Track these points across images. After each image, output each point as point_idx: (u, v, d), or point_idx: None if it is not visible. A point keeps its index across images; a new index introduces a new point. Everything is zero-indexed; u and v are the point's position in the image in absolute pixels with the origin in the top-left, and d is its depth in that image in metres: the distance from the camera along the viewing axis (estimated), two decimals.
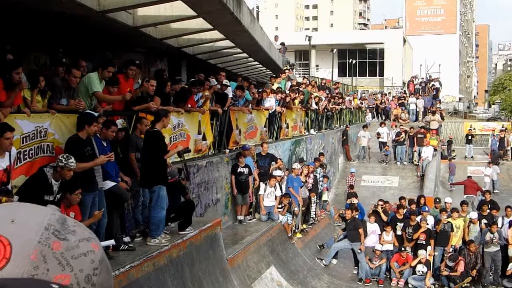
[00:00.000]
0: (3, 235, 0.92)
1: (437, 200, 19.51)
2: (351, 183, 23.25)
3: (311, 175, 19.36)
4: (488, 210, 17.88)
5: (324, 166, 22.31)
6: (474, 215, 17.47)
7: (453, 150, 33.83)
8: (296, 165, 18.53)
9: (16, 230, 0.94)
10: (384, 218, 17.62)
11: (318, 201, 20.29)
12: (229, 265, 11.96)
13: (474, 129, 36.45)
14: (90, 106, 9.52)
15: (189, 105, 12.97)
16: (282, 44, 31.93)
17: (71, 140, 8.35)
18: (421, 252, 16.04)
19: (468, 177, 25.69)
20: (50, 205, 1.07)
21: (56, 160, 7.70)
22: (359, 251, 16.43)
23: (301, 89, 24.12)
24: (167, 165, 10.24)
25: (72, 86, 9.24)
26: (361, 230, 16.47)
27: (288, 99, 21.17)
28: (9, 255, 0.91)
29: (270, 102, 19.07)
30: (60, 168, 7.56)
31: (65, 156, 7.65)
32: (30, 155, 8.05)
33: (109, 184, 9.04)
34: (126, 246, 9.04)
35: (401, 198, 19.62)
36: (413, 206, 18.44)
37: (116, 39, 13.76)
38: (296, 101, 22.41)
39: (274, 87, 21.30)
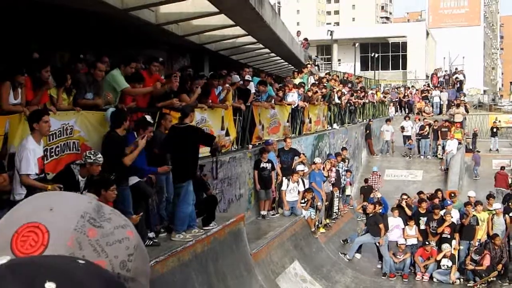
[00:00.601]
0: (42, 222, 0.96)
1: (452, 195, 19.28)
2: (373, 184, 22.60)
3: (333, 169, 19.35)
4: None
5: (347, 160, 22.24)
6: (497, 205, 17.32)
7: (474, 144, 33.44)
8: (317, 160, 18.54)
9: (53, 218, 0.98)
10: (409, 212, 17.54)
11: (341, 195, 20.26)
12: (253, 260, 12.01)
13: (499, 121, 35.96)
14: (115, 103, 9.62)
15: (211, 101, 13.04)
16: (305, 39, 31.88)
17: (111, 137, 8.51)
18: (445, 246, 15.95)
19: (501, 168, 25.43)
20: (88, 193, 1.13)
21: (83, 157, 7.80)
22: (378, 244, 16.38)
23: (324, 83, 24.10)
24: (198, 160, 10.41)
25: (98, 79, 9.36)
26: (381, 226, 16.42)
27: (310, 93, 21.16)
28: (47, 242, 0.95)
29: (293, 97, 19.07)
30: (89, 165, 7.68)
31: (92, 152, 7.77)
32: (57, 153, 8.18)
33: (134, 179, 9.13)
34: (151, 242, 9.13)
35: (420, 192, 19.57)
36: (436, 200, 18.33)
37: (138, 37, 13.87)
38: (318, 96, 22.36)
39: (296, 81, 21.28)
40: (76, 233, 0.98)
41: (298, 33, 31.75)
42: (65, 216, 0.99)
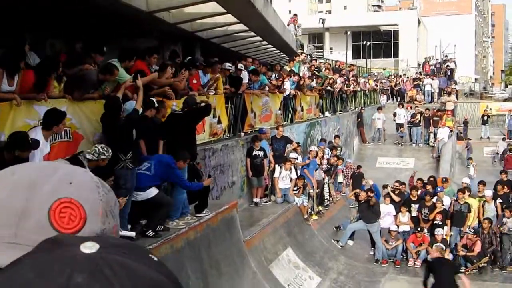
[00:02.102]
0: (72, 197, 1.00)
1: (444, 180, 19.38)
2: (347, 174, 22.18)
3: (325, 157, 19.42)
4: (504, 190, 17.82)
5: (339, 148, 22.27)
6: (488, 192, 17.43)
7: (465, 131, 33.59)
8: (314, 148, 18.59)
9: (79, 191, 1.02)
10: (396, 199, 17.65)
11: (330, 182, 20.28)
12: (246, 247, 12.04)
13: (490, 109, 36.14)
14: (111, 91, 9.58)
15: (195, 81, 13.00)
16: (295, 15, 31.64)
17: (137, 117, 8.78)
18: (437, 231, 16.04)
19: (510, 150, 26.24)
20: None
21: (94, 153, 7.78)
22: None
23: (318, 73, 24.16)
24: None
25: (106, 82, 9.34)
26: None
27: (302, 81, 21.16)
28: (85, 214, 0.99)
29: (285, 85, 19.07)
30: (101, 161, 7.72)
31: (105, 148, 7.79)
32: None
33: (152, 192, 9.13)
34: (152, 233, 9.05)
35: (419, 179, 19.72)
36: (430, 187, 18.42)
37: (129, 25, 13.79)
38: (314, 84, 22.45)
39: (288, 69, 21.26)
40: (102, 203, 1.04)
41: (295, 16, 31.54)
42: (86, 188, 1.04)
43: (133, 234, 6.49)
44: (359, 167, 22.62)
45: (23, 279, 0.80)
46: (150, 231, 8.85)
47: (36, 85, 7.85)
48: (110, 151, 7.86)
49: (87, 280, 0.80)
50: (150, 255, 0.93)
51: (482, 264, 15.75)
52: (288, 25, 27.82)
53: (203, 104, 10.87)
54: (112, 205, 1.06)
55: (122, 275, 0.82)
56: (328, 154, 20.48)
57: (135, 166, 8.77)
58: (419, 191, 17.92)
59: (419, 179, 19.94)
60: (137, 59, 10.35)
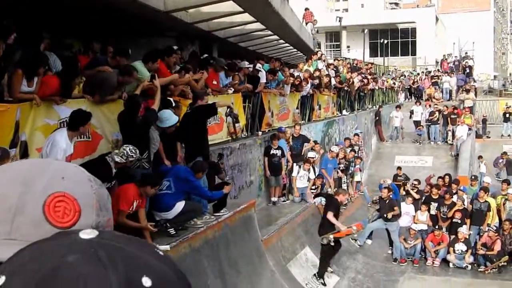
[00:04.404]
0: (66, 191, 1.00)
1: (473, 178, 19.26)
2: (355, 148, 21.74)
3: (341, 155, 19.36)
4: None
5: (357, 147, 22.17)
6: (511, 191, 17.28)
7: (484, 129, 33.19)
8: (335, 148, 18.55)
9: (72, 185, 1.02)
10: (416, 196, 17.55)
11: (348, 181, 20.22)
12: (264, 246, 12.04)
13: (510, 107, 35.69)
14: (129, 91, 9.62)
15: (214, 81, 13.06)
16: (307, 9, 31.45)
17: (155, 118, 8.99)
18: (461, 231, 15.92)
19: None
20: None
21: (123, 155, 7.82)
22: (390, 216, 16.33)
23: (334, 71, 24.11)
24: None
25: (126, 85, 9.39)
26: (396, 209, 16.42)
27: (320, 80, 21.11)
28: (79, 208, 1.00)
29: (306, 87, 19.07)
30: (129, 162, 7.77)
31: (133, 150, 7.83)
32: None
33: (180, 206, 9.18)
34: (174, 232, 9.03)
35: (440, 177, 19.59)
36: (454, 187, 18.25)
37: (146, 25, 13.85)
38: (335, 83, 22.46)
39: (304, 68, 21.21)
40: (96, 196, 1.04)
41: (308, 11, 31.27)
42: (79, 182, 1.04)
43: (167, 247, 6.64)
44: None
45: (18, 263, 0.82)
46: (172, 228, 8.90)
47: (61, 90, 7.92)
48: (138, 152, 7.89)
49: (79, 260, 0.80)
50: (154, 248, 0.92)
51: (502, 263, 15.60)
52: (302, 21, 27.70)
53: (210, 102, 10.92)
54: (105, 199, 1.07)
55: (117, 259, 0.82)
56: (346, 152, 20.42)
57: (151, 166, 8.81)
58: (440, 190, 17.79)
59: (440, 177, 19.79)
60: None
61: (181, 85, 10.92)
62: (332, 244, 13.19)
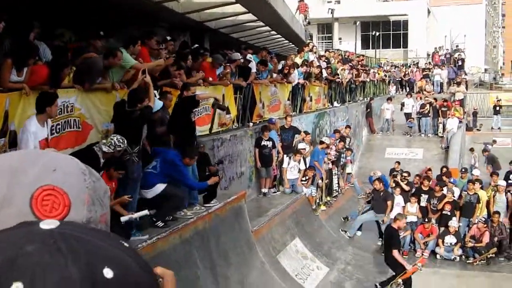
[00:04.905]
0: (55, 184, 0.97)
1: (463, 170, 19.38)
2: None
3: (333, 147, 19.37)
4: None
5: (348, 139, 22.21)
6: (502, 182, 17.36)
7: (475, 122, 33.30)
8: (326, 139, 18.56)
9: (63, 178, 0.99)
10: (406, 188, 17.63)
11: (339, 173, 20.26)
12: (254, 237, 12.07)
13: (500, 100, 35.83)
14: (118, 80, 9.58)
15: (211, 78, 13.05)
16: (301, 0, 31.20)
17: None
18: (451, 224, 16.00)
19: None
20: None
21: (111, 145, 7.79)
22: (382, 222, 16.44)
23: (326, 62, 24.09)
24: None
25: (114, 67, 9.33)
26: (389, 203, 16.47)
27: (309, 70, 21.08)
28: (69, 202, 0.97)
29: (292, 75, 19.01)
30: (117, 152, 7.73)
31: (121, 140, 7.80)
32: (58, 130, 8.18)
33: (160, 188, 9.15)
34: (162, 224, 9.03)
35: (429, 169, 19.69)
36: (445, 178, 18.33)
37: (137, 15, 13.78)
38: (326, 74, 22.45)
39: (297, 61, 21.18)
40: (88, 190, 1.01)
41: (302, 2, 31.00)
42: (71, 175, 1.01)
43: (146, 212, 6.55)
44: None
45: None
46: (159, 221, 8.88)
47: (50, 80, 7.87)
48: (125, 142, 7.87)
49: (38, 250, 0.79)
50: (120, 240, 0.91)
51: (490, 255, 15.71)
52: (296, 12, 27.64)
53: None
54: (101, 193, 1.04)
55: (78, 249, 0.81)
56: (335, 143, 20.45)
57: (140, 159, 8.80)
58: (431, 182, 17.88)
59: (429, 169, 19.90)
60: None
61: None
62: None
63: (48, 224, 0.85)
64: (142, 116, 8.68)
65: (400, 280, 12.92)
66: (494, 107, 33.84)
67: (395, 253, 13.06)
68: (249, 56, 15.93)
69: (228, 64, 14.24)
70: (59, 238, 0.82)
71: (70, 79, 8.78)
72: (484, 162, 24.34)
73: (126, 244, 0.90)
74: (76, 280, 0.78)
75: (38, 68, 7.82)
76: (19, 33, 8.77)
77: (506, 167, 21.60)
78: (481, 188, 17.39)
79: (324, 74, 23.00)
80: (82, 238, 0.84)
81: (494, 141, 26.88)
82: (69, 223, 0.90)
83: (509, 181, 18.28)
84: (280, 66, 18.71)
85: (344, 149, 20.82)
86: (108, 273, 0.81)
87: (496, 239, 15.85)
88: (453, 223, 16.05)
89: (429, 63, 42.77)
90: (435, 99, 29.28)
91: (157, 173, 9.10)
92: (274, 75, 17.55)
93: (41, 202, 0.95)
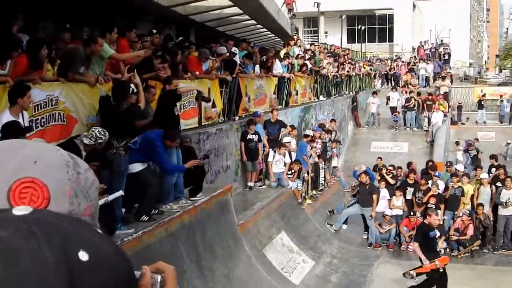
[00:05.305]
0: (35, 176, 0.95)
1: (448, 164, 19.54)
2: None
3: (319, 141, 19.38)
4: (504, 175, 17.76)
5: (334, 132, 22.24)
6: (484, 175, 17.50)
7: (459, 116, 33.52)
8: (310, 132, 18.58)
9: (44, 170, 0.97)
10: (392, 181, 17.71)
11: (326, 166, 20.31)
12: (240, 230, 12.07)
13: (484, 94, 36.14)
14: (101, 73, 9.52)
15: (197, 72, 13.01)
16: None
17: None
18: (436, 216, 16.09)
19: None
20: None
21: (92, 137, 7.74)
22: (370, 217, 16.51)
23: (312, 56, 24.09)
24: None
25: (96, 55, 9.27)
26: (375, 196, 16.53)
27: (296, 64, 21.08)
28: (48, 195, 0.95)
29: (276, 66, 18.99)
30: (98, 145, 7.69)
31: (102, 132, 7.75)
32: (42, 124, 8.13)
33: (137, 167, 9.11)
34: (147, 218, 9.01)
35: (409, 163, 19.79)
36: (431, 171, 18.42)
37: (122, 8, 13.70)
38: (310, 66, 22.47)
39: (282, 53, 21.16)
40: (71, 183, 0.99)
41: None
42: (53, 167, 0.99)
43: (121, 192, 6.52)
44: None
45: None
46: (143, 216, 8.84)
47: (30, 67, 7.81)
48: (107, 134, 7.83)
49: (11, 235, 0.78)
50: (93, 227, 0.90)
51: (475, 248, 15.86)
52: (282, 6, 27.65)
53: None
54: (86, 185, 1.02)
55: (52, 234, 0.80)
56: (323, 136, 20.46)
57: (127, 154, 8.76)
58: (416, 175, 17.99)
59: (410, 162, 20.05)
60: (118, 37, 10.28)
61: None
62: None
63: (21, 210, 0.84)
64: (129, 112, 8.64)
65: (413, 273, 12.79)
66: (479, 101, 34.10)
67: (415, 245, 12.57)
68: (234, 49, 15.87)
69: (214, 58, 14.20)
70: (33, 223, 0.81)
71: (54, 72, 8.72)
72: (467, 163, 24.51)
73: (100, 231, 0.89)
74: (51, 264, 0.77)
75: (19, 60, 7.76)
76: (2, 25, 8.70)
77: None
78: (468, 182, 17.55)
79: (309, 66, 22.95)
80: (56, 224, 0.83)
81: (477, 139, 27.08)
82: (43, 210, 0.89)
83: (491, 174, 18.43)
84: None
85: (330, 141, 20.81)
86: (83, 256, 0.80)
87: (481, 229, 16.00)
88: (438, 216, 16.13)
89: (414, 57, 42.97)
90: (419, 93, 29.44)
91: (135, 148, 9.03)
92: (257, 66, 17.48)
93: (19, 194, 0.93)
